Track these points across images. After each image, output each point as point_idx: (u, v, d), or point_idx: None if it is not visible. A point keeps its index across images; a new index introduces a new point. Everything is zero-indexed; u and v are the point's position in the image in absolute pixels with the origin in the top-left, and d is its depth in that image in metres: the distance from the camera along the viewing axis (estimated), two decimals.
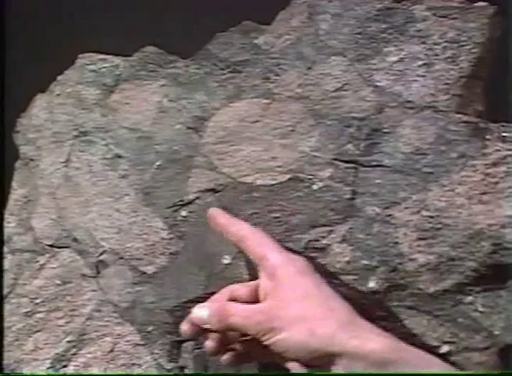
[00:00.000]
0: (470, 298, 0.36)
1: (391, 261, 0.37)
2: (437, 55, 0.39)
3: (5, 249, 0.47)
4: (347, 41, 0.41)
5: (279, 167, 0.41)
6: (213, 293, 0.39)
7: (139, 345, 0.42)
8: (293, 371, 0.34)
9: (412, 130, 0.38)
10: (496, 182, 0.36)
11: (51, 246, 0.46)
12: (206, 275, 0.41)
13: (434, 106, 0.38)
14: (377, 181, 0.38)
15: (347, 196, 0.39)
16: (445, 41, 0.39)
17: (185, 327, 0.37)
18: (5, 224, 0.48)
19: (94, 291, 0.44)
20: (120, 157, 0.45)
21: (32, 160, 0.49)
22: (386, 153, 0.38)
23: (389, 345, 0.32)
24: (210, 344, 0.37)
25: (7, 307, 0.45)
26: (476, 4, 0.39)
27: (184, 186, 0.43)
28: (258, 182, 0.41)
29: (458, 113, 0.38)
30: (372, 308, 0.37)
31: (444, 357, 0.35)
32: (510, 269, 0.36)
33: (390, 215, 0.37)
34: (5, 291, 0.46)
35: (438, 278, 0.36)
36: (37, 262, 0.46)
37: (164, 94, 0.45)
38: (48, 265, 0.45)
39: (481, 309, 0.36)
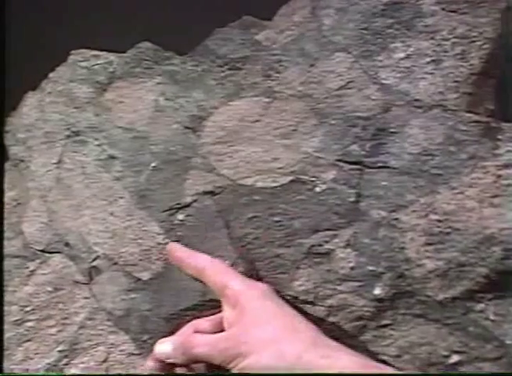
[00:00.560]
0: (480, 306, 0.36)
1: (398, 267, 0.37)
2: (446, 51, 0.39)
3: None
4: (351, 37, 0.41)
5: (280, 168, 0.40)
6: (211, 300, 0.39)
7: (134, 354, 0.42)
8: None
9: (419, 130, 0.38)
10: (508, 185, 0.36)
11: (42, 251, 0.45)
12: None
13: (443, 104, 0.38)
14: (383, 183, 0.38)
15: (352, 199, 0.38)
16: (455, 37, 0.39)
17: (150, 363, 0.38)
18: None
19: (87, 298, 0.44)
20: (114, 158, 0.45)
21: (22, 161, 0.49)
22: (392, 154, 0.38)
23: (359, 363, 0.32)
24: None
25: None
26: None
27: (181, 189, 0.42)
28: (259, 184, 0.41)
29: (468, 112, 0.38)
30: (377, 316, 0.37)
31: (453, 367, 0.35)
32: None
33: (396, 219, 0.37)
34: None
35: (447, 285, 0.36)
36: (28, 267, 0.45)
37: (160, 92, 0.45)
38: (38, 272, 0.45)
39: (492, 317, 0.36)
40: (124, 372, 0.42)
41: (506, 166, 0.36)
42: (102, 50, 0.47)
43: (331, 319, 0.37)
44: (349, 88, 0.40)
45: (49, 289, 0.44)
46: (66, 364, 0.42)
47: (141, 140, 0.45)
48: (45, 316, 0.44)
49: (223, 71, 0.44)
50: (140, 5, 0.54)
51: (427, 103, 0.38)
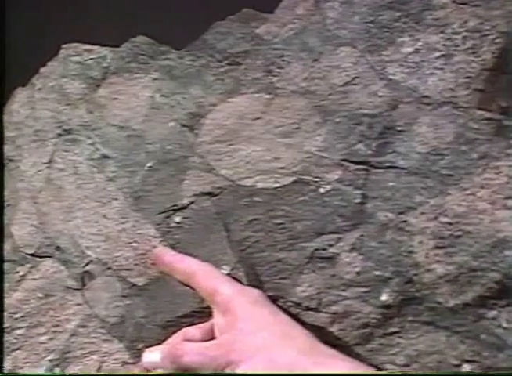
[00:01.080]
0: (493, 313, 0.35)
1: (406, 272, 0.36)
2: (457, 45, 0.38)
3: None
4: (357, 31, 0.40)
5: (282, 168, 0.40)
6: (209, 307, 0.38)
7: (129, 363, 0.41)
8: None
9: (429, 128, 0.38)
10: None
11: (32, 255, 0.45)
12: None
13: (454, 101, 0.38)
14: (391, 184, 0.38)
15: (358, 200, 0.38)
16: (466, 31, 0.38)
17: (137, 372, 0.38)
18: None
19: (79, 304, 0.43)
20: (107, 157, 0.45)
21: (11, 160, 0.48)
22: (400, 153, 0.38)
23: (354, 370, 0.32)
24: None
25: None
26: None
27: (178, 190, 0.42)
28: (259, 185, 0.40)
29: (480, 109, 0.37)
30: (384, 323, 0.37)
31: None
32: None
33: (404, 222, 0.37)
34: None
35: (458, 291, 0.35)
36: (17, 272, 0.45)
37: (156, 88, 0.45)
38: (28, 277, 0.44)
39: (505, 324, 0.35)
40: None
41: None
42: (95, 44, 0.47)
43: (336, 326, 0.37)
44: (355, 85, 0.40)
45: (40, 295, 0.44)
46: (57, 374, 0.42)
47: (136, 139, 0.44)
48: (36, 323, 0.43)
49: (222, 66, 0.43)
50: None
51: (437, 100, 0.38)
